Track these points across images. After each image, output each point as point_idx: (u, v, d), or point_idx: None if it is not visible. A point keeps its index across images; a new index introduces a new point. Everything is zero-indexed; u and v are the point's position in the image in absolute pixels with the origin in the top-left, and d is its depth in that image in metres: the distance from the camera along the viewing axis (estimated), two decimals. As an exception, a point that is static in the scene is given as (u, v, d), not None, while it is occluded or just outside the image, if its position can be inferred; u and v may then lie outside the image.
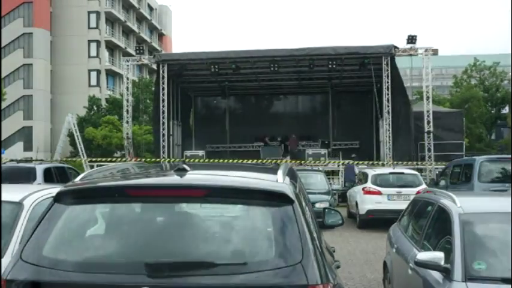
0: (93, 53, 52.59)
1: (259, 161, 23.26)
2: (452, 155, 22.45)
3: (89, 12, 52.52)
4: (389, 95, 21.65)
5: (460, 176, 11.53)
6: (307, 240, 2.58)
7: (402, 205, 12.84)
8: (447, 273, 3.69)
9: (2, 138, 37.30)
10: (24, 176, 12.24)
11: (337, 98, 27.17)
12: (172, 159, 23.12)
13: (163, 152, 22.75)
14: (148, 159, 25.27)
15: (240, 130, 27.85)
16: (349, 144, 26.44)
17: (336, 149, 26.10)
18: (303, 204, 3.06)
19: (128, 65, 25.22)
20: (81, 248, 2.83)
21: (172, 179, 3.01)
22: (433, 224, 4.75)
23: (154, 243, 2.74)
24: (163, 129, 22.91)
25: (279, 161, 22.09)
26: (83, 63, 51.79)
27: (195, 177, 3.12)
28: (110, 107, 45.07)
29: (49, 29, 51.13)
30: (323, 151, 23.66)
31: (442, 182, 12.56)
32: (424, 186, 13.04)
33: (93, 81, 52.39)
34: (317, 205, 12.16)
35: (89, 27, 52.41)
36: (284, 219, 2.65)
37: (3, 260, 3.91)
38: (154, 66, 24.94)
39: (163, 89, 22.91)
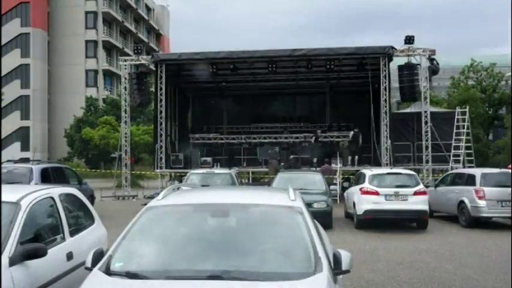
0: (91, 53, 52.55)
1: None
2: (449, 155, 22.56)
3: (86, 13, 52.48)
4: (387, 95, 21.69)
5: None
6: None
7: (399, 205, 13.06)
8: None
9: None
10: (21, 176, 12.22)
11: (335, 98, 27.14)
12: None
13: (161, 153, 22.71)
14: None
15: (238, 130, 27.83)
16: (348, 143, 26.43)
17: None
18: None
19: (125, 65, 25.11)
20: None
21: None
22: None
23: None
24: (160, 129, 22.88)
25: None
26: (80, 63, 51.74)
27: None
28: (107, 107, 45.02)
29: (46, 29, 51.07)
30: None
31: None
32: (421, 186, 13.07)
33: (91, 82, 52.36)
34: (315, 205, 12.18)
35: (86, 28, 52.38)
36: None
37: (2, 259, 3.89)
38: (152, 67, 24.88)
39: (161, 89, 22.85)
